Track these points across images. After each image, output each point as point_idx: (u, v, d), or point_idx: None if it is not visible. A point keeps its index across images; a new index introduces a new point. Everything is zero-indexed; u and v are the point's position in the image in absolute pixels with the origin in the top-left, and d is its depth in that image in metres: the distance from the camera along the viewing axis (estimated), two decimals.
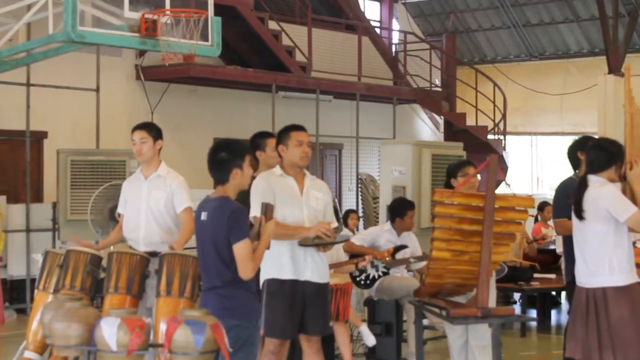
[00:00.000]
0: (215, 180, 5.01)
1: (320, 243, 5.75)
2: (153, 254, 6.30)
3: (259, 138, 6.76)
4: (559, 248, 10.97)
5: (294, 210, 5.83)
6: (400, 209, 8.42)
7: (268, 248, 4.99)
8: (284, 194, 5.85)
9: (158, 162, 6.62)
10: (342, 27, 17.54)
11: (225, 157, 4.95)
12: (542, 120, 19.74)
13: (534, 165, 20.50)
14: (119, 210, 6.78)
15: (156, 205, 6.49)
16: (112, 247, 6.93)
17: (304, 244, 5.76)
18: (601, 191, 5.51)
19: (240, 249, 4.78)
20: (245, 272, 4.81)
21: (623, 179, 5.72)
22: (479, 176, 6.66)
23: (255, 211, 5.69)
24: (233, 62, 14.87)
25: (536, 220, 12.65)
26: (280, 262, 5.80)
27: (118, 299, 6.14)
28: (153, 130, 6.61)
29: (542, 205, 12.41)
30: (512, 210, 6.05)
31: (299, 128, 6.04)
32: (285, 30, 15.46)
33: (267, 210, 5.05)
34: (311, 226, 5.78)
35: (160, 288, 5.98)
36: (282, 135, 6.00)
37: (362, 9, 18.71)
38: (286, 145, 5.94)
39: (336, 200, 15.71)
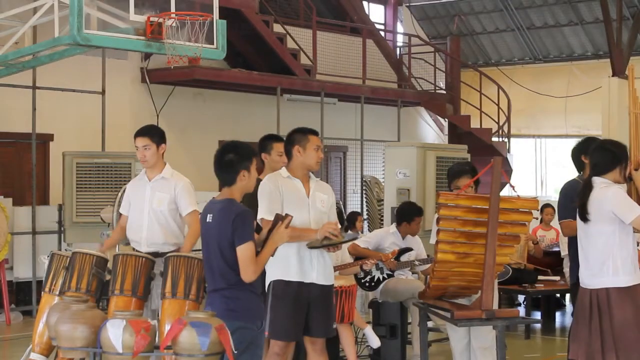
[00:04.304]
0: (222, 182, 5.02)
1: (329, 244, 5.76)
2: (155, 255, 6.34)
3: (267, 140, 6.80)
4: (563, 251, 10.98)
5: (301, 212, 5.84)
6: (408, 214, 8.44)
7: (273, 255, 5.00)
8: (292, 196, 5.87)
9: (162, 164, 6.65)
10: (347, 30, 17.56)
11: (234, 158, 4.96)
12: (546, 122, 19.75)
13: (538, 168, 20.49)
14: (121, 211, 6.84)
15: (159, 207, 6.53)
16: (117, 249, 6.96)
17: (313, 246, 5.77)
18: (606, 193, 5.52)
19: (243, 251, 4.80)
20: (247, 274, 4.82)
21: (628, 179, 5.73)
22: (472, 188, 6.63)
23: (263, 213, 5.72)
24: (238, 65, 14.90)
25: (540, 222, 12.63)
26: (286, 264, 5.82)
27: (123, 301, 6.16)
28: (155, 136, 6.62)
29: (542, 207, 12.36)
30: (517, 212, 6.06)
31: (316, 132, 6.06)
32: (290, 33, 15.49)
33: (285, 219, 5.02)
34: (317, 228, 5.81)
35: (165, 290, 6.00)
36: (300, 137, 5.97)
37: (366, 12, 18.73)
38: (304, 147, 5.93)
39: (340, 203, 15.74)
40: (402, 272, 8.45)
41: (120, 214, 6.89)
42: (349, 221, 11.35)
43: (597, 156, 5.72)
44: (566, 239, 6.84)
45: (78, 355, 4.57)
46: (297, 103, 15.59)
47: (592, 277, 5.59)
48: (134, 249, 6.61)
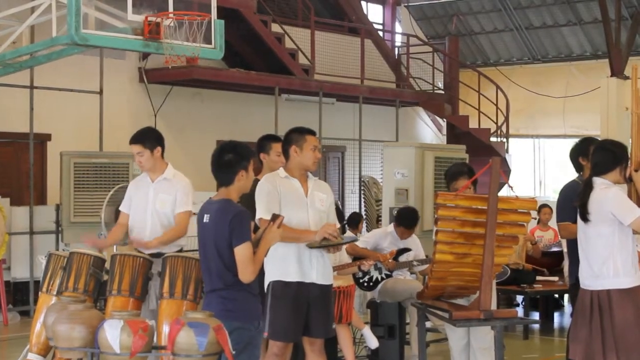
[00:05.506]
0: (220, 182, 5.01)
1: (328, 244, 5.76)
2: (158, 255, 6.33)
3: (265, 140, 6.79)
4: (565, 248, 10.97)
5: (299, 212, 5.84)
6: (409, 221, 8.42)
7: (265, 255, 4.99)
8: (290, 195, 5.86)
9: (163, 165, 6.65)
10: (345, 30, 17.56)
11: (232, 159, 4.96)
12: (544, 122, 19.75)
13: (537, 168, 20.50)
14: (122, 208, 6.81)
15: (162, 208, 6.53)
16: (115, 249, 6.95)
17: (312, 246, 5.76)
18: (607, 194, 5.52)
19: (241, 252, 4.80)
20: (245, 275, 4.82)
21: (628, 180, 5.73)
22: (470, 188, 6.61)
23: (261, 213, 5.71)
24: (236, 64, 14.89)
25: (538, 222, 12.62)
26: (286, 264, 5.82)
27: (121, 301, 6.15)
28: (148, 141, 6.59)
29: (540, 208, 12.34)
30: (515, 213, 6.06)
31: (313, 132, 6.04)
32: (288, 33, 15.49)
33: (277, 220, 5.02)
34: (316, 229, 5.80)
35: (163, 290, 6.00)
36: (297, 137, 5.95)
37: (365, 11, 18.74)
38: (301, 147, 5.92)
39: (339, 202, 15.73)
40: (401, 272, 8.45)
41: (120, 212, 6.88)
42: (351, 222, 11.33)
43: (597, 156, 5.71)
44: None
45: (75, 356, 4.57)
46: (295, 103, 15.58)
47: (592, 278, 5.58)
48: (136, 249, 6.60)
